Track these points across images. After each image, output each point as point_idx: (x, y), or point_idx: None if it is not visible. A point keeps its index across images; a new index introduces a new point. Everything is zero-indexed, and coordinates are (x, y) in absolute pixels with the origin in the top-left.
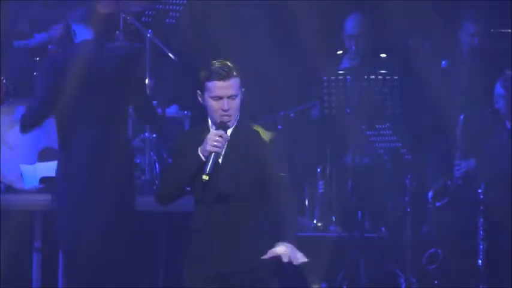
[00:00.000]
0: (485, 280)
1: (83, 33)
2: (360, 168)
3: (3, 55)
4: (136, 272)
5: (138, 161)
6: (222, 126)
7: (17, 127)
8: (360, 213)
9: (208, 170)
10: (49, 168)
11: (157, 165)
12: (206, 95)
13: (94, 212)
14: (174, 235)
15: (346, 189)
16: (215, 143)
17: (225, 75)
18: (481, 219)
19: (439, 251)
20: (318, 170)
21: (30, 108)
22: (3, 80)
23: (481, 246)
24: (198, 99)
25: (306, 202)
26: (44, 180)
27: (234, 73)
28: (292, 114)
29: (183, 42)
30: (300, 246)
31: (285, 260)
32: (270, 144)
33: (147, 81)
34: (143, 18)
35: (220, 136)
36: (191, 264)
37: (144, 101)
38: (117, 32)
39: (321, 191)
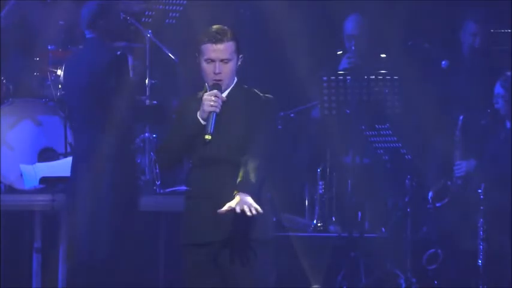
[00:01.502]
0: (485, 280)
1: (87, 32)
2: (360, 168)
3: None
4: (137, 272)
5: (139, 161)
6: (215, 87)
7: (17, 127)
8: (359, 213)
9: (210, 129)
10: (49, 168)
11: (157, 166)
12: (201, 58)
13: (94, 212)
14: (174, 235)
15: (346, 190)
16: (211, 103)
17: (218, 39)
18: (481, 219)
19: (439, 251)
20: (318, 170)
21: None
22: (3, 80)
23: (481, 246)
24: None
25: (306, 202)
26: (44, 180)
27: (229, 37)
28: (292, 114)
29: (183, 42)
30: (300, 246)
31: (238, 210)
32: (263, 107)
33: (147, 81)
34: (143, 19)
35: (216, 96)
36: (184, 233)
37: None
38: (115, 31)
39: (321, 191)
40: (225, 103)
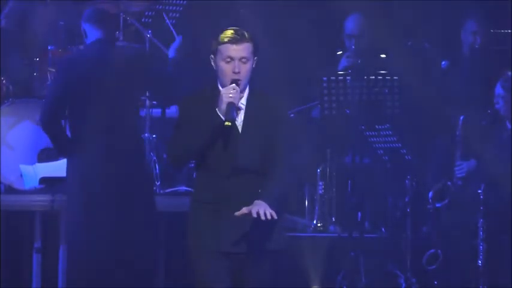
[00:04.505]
0: (485, 280)
1: (94, 33)
2: (360, 168)
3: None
4: (137, 272)
5: None
6: (233, 83)
7: (17, 127)
8: (359, 214)
9: (229, 116)
10: (49, 168)
11: (157, 166)
12: (218, 58)
13: (98, 213)
14: (174, 235)
15: (346, 190)
16: (230, 95)
17: (238, 39)
18: (481, 220)
19: (439, 251)
20: (318, 170)
21: (43, 108)
22: (3, 80)
23: (481, 246)
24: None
25: (306, 202)
26: (43, 180)
27: (247, 38)
28: (292, 115)
29: (183, 43)
30: (300, 246)
31: (254, 215)
32: (279, 112)
33: None
34: (143, 19)
35: (233, 89)
36: (197, 238)
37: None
38: (117, 32)
39: (321, 191)
40: (244, 113)
